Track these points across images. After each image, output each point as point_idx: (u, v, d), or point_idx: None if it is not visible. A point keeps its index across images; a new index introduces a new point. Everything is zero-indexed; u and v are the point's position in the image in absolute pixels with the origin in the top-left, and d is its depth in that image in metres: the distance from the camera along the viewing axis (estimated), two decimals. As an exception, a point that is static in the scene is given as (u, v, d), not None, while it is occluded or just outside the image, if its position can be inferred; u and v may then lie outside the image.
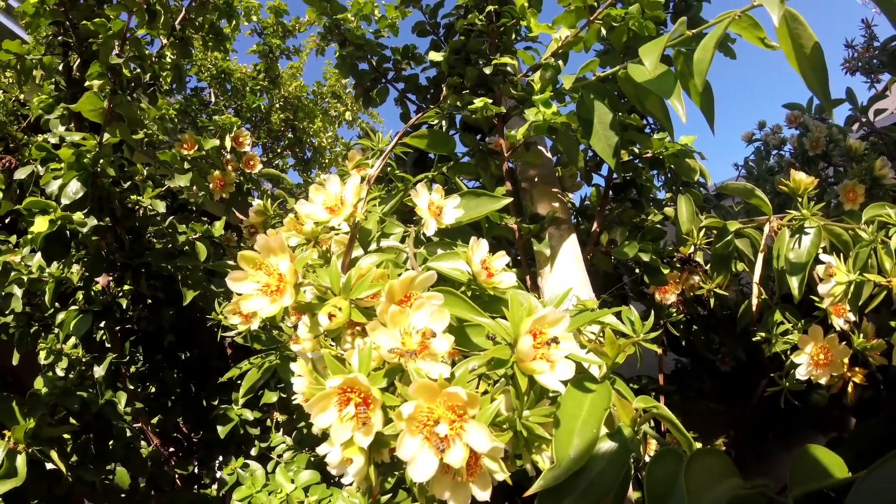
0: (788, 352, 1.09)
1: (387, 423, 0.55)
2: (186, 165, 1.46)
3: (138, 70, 1.30)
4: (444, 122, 1.18)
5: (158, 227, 1.48)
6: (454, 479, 0.55)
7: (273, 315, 0.68)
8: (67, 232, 1.29)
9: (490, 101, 1.08)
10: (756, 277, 1.19)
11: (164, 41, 1.49)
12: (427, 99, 1.50)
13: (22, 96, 1.91)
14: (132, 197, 1.44)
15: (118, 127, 1.33)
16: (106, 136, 1.34)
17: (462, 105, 1.15)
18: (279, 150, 2.32)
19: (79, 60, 1.57)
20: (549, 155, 1.24)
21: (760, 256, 1.20)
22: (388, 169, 1.17)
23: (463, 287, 0.84)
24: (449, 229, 0.90)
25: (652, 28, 1.08)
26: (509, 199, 1.01)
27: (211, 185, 1.47)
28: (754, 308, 1.19)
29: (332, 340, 0.75)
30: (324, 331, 0.71)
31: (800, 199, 1.18)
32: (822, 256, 1.01)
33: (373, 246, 0.96)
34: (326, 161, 2.41)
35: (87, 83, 1.33)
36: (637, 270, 1.30)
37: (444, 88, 1.15)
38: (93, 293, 1.41)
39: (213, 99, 2.21)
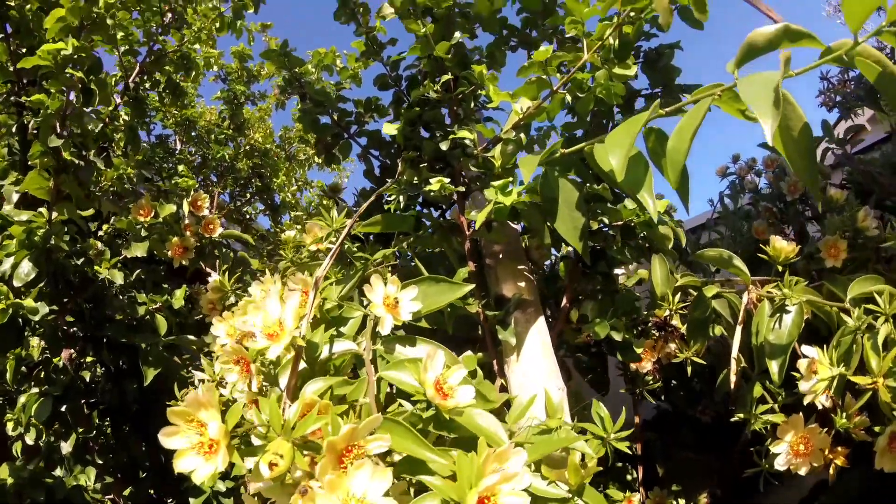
0: (767, 437, 1.05)
1: None
2: (143, 233, 1.41)
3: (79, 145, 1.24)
4: (401, 198, 1.12)
5: (116, 298, 1.43)
6: None
7: (210, 475, 0.64)
8: (20, 319, 1.24)
9: (447, 180, 1.03)
10: (734, 351, 1.14)
11: (118, 100, 1.43)
12: (391, 154, 1.44)
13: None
14: (87, 269, 1.38)
15: (65, 206, 1.27)
16: (55, 213, 1.29)
17: (419, 180, 1.09)
18: (247, 197, 2.26)
19: (32, 120, 1.51)
20: (514, 226, 1.19)
21: (739, 329, 1.15)
22: (346, 246, 1.12)
23: (418, 403, 0.79)
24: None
25: (620, 90, 1.02)
26: (470, 286, 0.96)
27: (170, 253, 1.41)
28: (733, 384, 1.14)
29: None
30: (268, 479, 0.66)
31: (780, 267, 1.14)
32: (804, 349, 0.96)
33: (324, 350, 0.90)
34: (294, 204, 2.36)
35: (28, 162, 1.28)
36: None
37: (400, 163, 1.09)
38: (52, 374, 1.37)
39: (178, 146, 2.15)
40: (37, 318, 1.25)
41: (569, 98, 1.06)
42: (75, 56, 1.13)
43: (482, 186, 1.08)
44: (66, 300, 1.38)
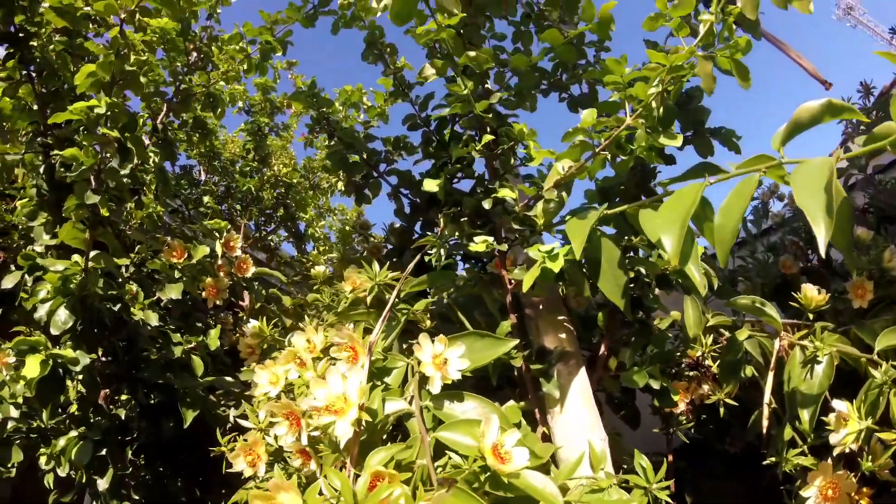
0: (797, 480, 1.08)
1: None
2: (177, 274, 1.42)
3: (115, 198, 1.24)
4: (442, 252, 1.14)
5: (150, 338, 1.44)
6: None
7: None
8: (60, 370, 1.26)
9: (491, 239, 1.04)
10: (766, 396, 1.17)
11: (147, 141, 1.43)
12: (421, 193, 1.45)
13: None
14: (123, 312, 1.40)
15: (102, 257, 1.28)
16: (91, 263, 1.30)
17: (461, 236, 1.11)
18: (272, 226, 2.27)
19: (59, 160, 1.51)
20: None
21: (770, 375, 1.18)
22: (386, 296, 1.13)
23: (475, 461, 0.81)
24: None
25: (660, 152, 1.03)
26: (515, 342, 0.98)
27: (204, 294, 1.43)
28: (765, 428, 1.17)
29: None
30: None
31: (810, 315, 1.16)
32: (835, 403, 0.99)
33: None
34: (323, 239, 2.36)
35: (63, 214, 1.28)
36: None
37: (442, 219, 1.10)
38: (90, 416, 1.38)
39: (202, 176, 2.15)
40: (77, 368, 1.26)
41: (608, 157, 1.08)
42: (108, 113, 1.13)
43: (521, 241, 1.10)
44: (102, 342, 1.39)
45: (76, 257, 1.32)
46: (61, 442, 1.37)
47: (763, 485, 1.44)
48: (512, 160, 1.12)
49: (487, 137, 1.06)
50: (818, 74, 1.06)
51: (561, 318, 1.16)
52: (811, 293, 1.13)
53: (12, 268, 1.67)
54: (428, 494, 0.70)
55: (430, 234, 1.22)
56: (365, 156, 1.45)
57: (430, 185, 1.12)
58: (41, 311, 1.32)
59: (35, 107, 1.45)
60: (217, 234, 1.45)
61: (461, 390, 0.91)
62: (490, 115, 1.07)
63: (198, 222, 1.62)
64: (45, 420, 1.38)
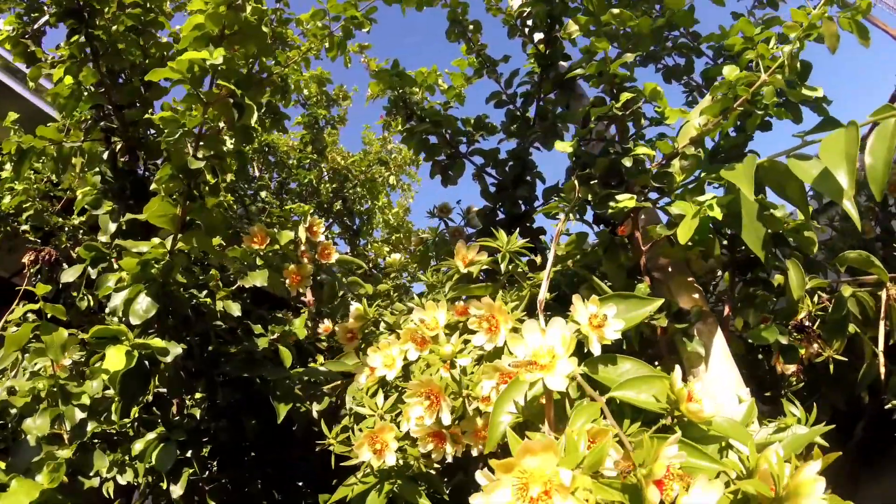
0: None
1: None
2: (259, 262, 1.34)
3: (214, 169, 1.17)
4: (571, 216, 1.11)
5: (231, 329, 1.36)
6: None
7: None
8: (146, 362, 1.15)
9: (634, 197, 1.03)
10: (881, 346, 1.19)
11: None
12: (506, 173, 1.43)
13: (53, 176, 1.73)
14: (204, 300, 1.31)
15: (195, 235, 1.20)
16: (179, 244, 1.21)
17: (594, 198, 1.09)
18: (329, 220, 2.20)
19: (122, 145, 1.43)
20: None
21: (882, 325, 1.20)
22: (511, 266, 1.10)
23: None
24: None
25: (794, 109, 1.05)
26: (661, 300, 0.96)
27: (287, 282, 1.35)
28: (882, 375, 1.19)
29: None
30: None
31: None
32: None
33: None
34: (398, 225, 2.30)
35: (153, 187, 1.20)
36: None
37: (575, 181, 1.08)
38: (173, 416, 1.28)
39: (256, 172, 2.06)
40: (168, 359, 1.16)
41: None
42: (223, 66, 1.04)
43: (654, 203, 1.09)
44: (186, 336, 1.30)
45: (155, 239, 1.22)
46: (137, 445, 1.25)
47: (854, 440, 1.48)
48: (641, 121, 1.11)
49: (626, 95, 1.05)
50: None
51: (690, 279, 1.15)
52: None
53: (65, 266, 1.57)
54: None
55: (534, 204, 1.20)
56: (448, 135, 1.43)
57: (563, 147, 1.10)
58: (116, 300, 1.22)
59: (98, 90, 1.37)
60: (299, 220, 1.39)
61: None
62: (624, 76, 1.07)
63: (255, 218, 1.55)
64: (116, 418, 1.26)
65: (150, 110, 1.39)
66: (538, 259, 1.11)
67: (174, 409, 1.36)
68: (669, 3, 1.08)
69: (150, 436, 1.28)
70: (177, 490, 1.37)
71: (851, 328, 1.32)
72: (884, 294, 1.22)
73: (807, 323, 1.32)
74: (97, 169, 1.38)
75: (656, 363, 1.16)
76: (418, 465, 1.06)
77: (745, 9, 1.23)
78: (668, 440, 0.63)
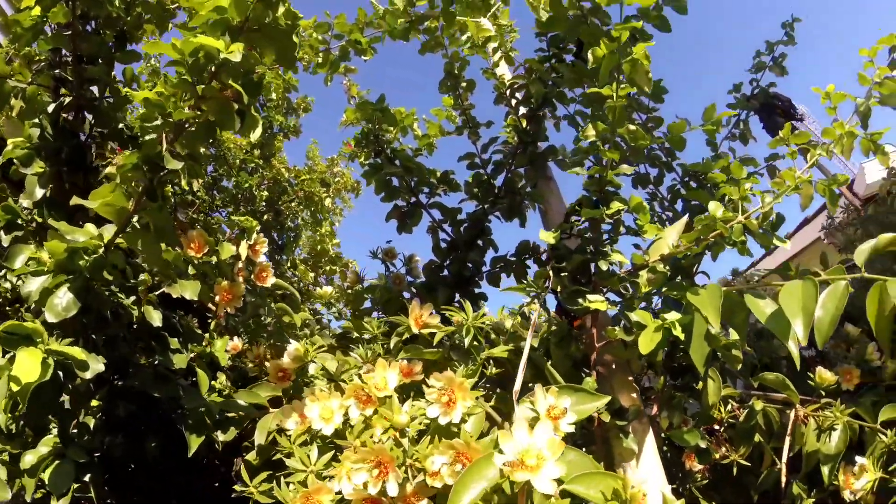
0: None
1: None
2: (192, 270, 1.24)
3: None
4: (536, 303, 1.13)
5: (145, 338, 1.24)
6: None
7: None
8: (61, 373, 0.99)
9: (605, 301, 1.07)
10: (784, 457, 1.31)
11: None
12: (461, 233, 1.43)
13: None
14: (126, 303, 1.19)
15: (141, 236, 1.08)
16: (119, 240, 1.09)
17: (563, 291, 1.12)
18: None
19: (70, 101, 1.26)
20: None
21: (788, 440, 1.33)
22: (475, 344, 1.10)
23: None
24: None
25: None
26: (608, 397, 1.01)
27: (217, 298, 1.26)
28: (783, 483, 1.32)
29: None
30: None
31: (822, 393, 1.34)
32: (858, 458, 1.18)
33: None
34: (302, 248, 2.19)
35: (108, 170, 1.08)
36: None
37: (549, 271, 1.11)
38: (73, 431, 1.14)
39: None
40: (87, 375, 1.02)
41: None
42: (233, 63, 0.91)
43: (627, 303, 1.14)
44: (92, 336, 1.17)
45: (91, 227, 1.09)
46: (28, 458, 1.08)
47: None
48: (620, 228, 1.16)
49: (617, 205, 1.09)
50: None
51: (630, 378, 1.21)
52: (824, 374, 1.32)
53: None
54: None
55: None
56: (413, 183, 1.41)
57: (547, 237, 1.12)
58: (31, 285, 1.05)
59: (62, 31, 1.21)
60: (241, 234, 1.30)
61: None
62: (615, 184, 1.11)
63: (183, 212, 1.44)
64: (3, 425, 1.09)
65: (111, 72, 1.25)
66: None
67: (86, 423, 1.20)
68: (672, 129, 1.14)
69: (44, 450, 1.11)
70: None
71: (756, 437, 1.47)
72: (792, 413, 1.36)
73: (716, 427, 1.45)
74: (36, 120, 1.22)
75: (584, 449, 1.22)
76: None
77: (719, 138, 1.33)
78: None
